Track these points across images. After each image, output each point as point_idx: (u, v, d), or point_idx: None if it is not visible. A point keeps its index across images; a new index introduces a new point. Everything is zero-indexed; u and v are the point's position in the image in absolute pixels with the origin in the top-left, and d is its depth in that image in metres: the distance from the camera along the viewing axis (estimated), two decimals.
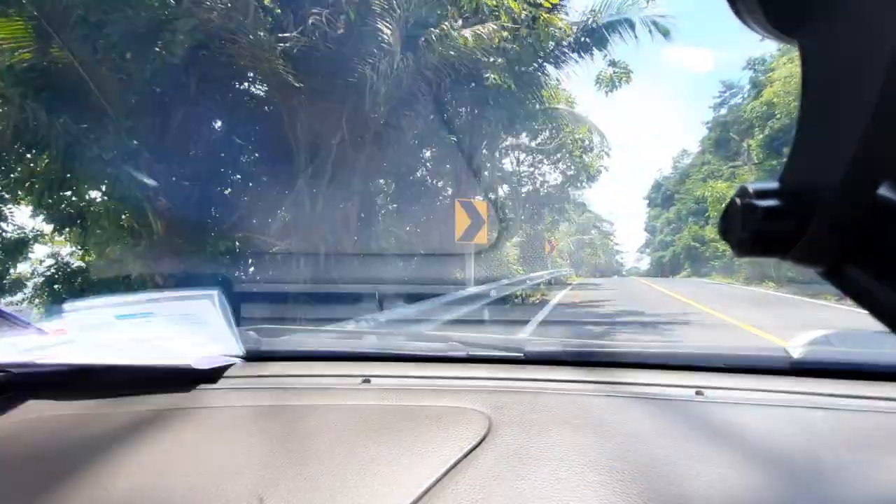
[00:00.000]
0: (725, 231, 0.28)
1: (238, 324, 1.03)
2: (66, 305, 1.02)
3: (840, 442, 0.66)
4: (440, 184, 11.46)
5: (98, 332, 0.98)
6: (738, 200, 0.27)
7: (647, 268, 50.49)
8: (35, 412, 0.82)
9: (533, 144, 18.90)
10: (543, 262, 18.25)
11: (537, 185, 20.23)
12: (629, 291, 15.05)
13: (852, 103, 0.23)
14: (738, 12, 0.26)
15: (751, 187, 0.27)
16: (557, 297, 12.74)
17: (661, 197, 47.44)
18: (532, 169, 20.13)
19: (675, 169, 47.81)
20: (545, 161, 19.79)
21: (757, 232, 0.26)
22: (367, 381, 0.91)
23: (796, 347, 0.90)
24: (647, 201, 52.24)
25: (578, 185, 20.81)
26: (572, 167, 19.93)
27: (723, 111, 36.55)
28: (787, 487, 0.57)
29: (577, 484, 0.57)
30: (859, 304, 0.25)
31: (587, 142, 18.35)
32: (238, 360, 1.00)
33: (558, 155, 19.45)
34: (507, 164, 19.60)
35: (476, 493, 0.56)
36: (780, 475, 0.59)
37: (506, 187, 19.79)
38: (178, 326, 1.00)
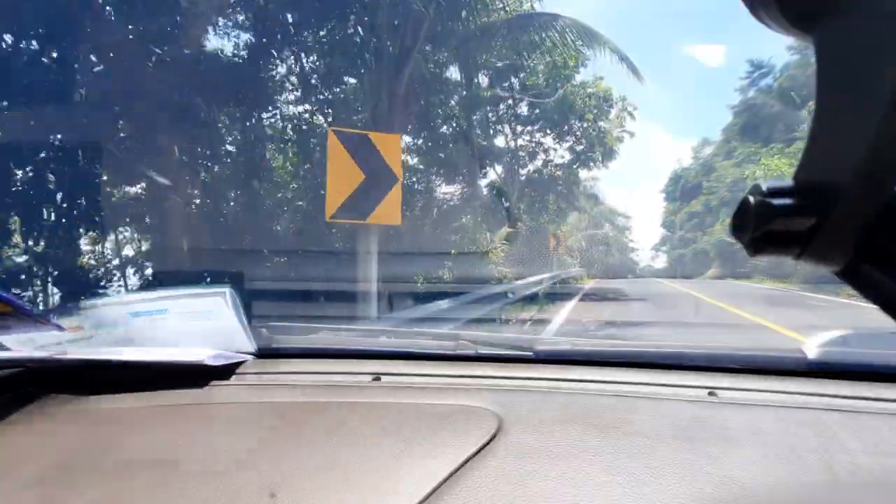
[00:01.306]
0: (738, 229, 0.27)
1: (250, 321, 1.05)
2: (83, 303, 1.05)
3: (856, 445, 0.65)
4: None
5: (113, 329, 1.02)
6: (751, 199, 0.26)
7: (664, 267, 47.21)
8: (51, 407, 0.84)
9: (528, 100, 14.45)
10: (547, 260, 13.95)
11: (539, 164, 15.99)
12: (667, 305, 10.50)
13: (867, 101, 0.23)
14: (752, 8, 0.26)
15: (764, 185, 0.26)
16: (559, 317, 8.01)
17: (681, 190, 44.41)
18: (531, 143, 15.84)
19: (696, 159, 44.75)
20: (548, 131, 15.50)
21: (771, 231, 0.26)
22: (377, 378, 0.92)
23: (812, 348, 0.89)
24: (665, 195, 48.76)
25: (592, 163, 16.47)
26: (583, 140, 15.59)
27: (751, 93, 32.65)
28: (802, 490, 0.56)
29: (586, 484, 0.57)
30: (875, 304, 0.24)
31: (603, 97, 13.95)
32: (250, 357, 1.01)
33: (565, 126, 15.17)
34: (501, 140, 15.31)
35: (485, 491, 0.56)
36: (794, 478, 0.58)
37: (499, 167, 15.42)
38: (191, 323, 1.03)
